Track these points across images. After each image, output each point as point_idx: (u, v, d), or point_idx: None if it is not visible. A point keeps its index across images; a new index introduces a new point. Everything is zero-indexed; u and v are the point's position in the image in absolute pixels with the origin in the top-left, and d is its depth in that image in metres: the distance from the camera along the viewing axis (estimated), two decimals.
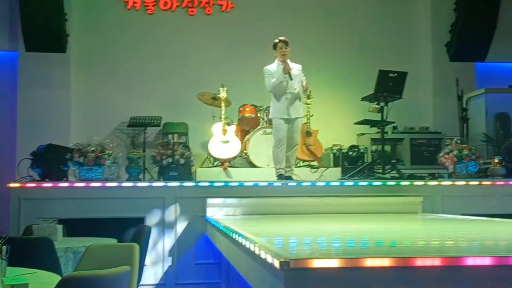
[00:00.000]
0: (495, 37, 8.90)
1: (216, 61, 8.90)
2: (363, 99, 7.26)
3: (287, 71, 6.36)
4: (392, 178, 6.66)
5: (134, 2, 9.03)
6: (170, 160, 6.46)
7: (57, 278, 2.84)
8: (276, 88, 6.41)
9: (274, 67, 6.51)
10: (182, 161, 6.49)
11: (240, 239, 3.04)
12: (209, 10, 9.17)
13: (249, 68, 8.47)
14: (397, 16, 9.50)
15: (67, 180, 6.26)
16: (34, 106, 8.33)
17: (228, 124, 7.73)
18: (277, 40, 6.50)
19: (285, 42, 6.45)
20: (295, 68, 6.53)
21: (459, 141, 6.73)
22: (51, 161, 6.24)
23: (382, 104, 6.96)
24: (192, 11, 9.14)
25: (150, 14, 9.07)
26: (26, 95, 8.36)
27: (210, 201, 5.77)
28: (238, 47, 9.01)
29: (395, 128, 8.55)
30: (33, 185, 5.91)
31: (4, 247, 2.64)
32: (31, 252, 3.67)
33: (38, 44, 8.18)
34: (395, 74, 6.93)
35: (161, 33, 9.04)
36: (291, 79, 6.39)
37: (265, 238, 3.01)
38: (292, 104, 6.47)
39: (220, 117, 7.70)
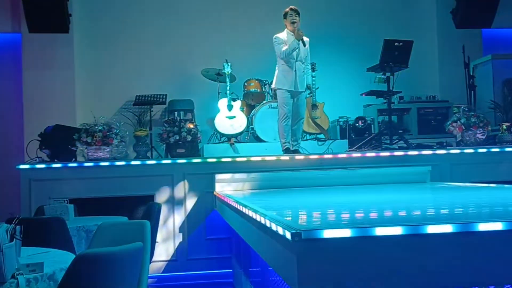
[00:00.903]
0: (502, 2, 8.75)
1: (219, 37, 8.81)
2: (369, 69, 7.20)
3: (300, 36, 6.31)
4: (400, 148, 6.64)
5: None
6: (177, 137, 6.47)
7: (71, 256, 2.87)
8: (288, 56, 6.35)
9: (284, 35, 6.45)
10: (189, 138, 6.50)
11: (250, 213, 3.05)
12: None
13: (253, 42, 8.42)
14: None
15: (76, 160, 6.30)
16: (40, 87, 8.31)
17: (234, 100, 7.71)
18: (287, 9, 6.44)
19: (296, 11, 6.40)
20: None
21: (466, 109, 6.70)
22: (59, 141, 6.27)
23: (388, 74, 6.90)
24: None
25: None
26: (31, 76, 8.33)
27: (218, 176, 5.79)
28: (241, 21, 8.90)
29: (401, 98, 8.49)
30: (42, 166, 5.95)
31: (18, 227, 2.67)
32: (44, 232, 3.72)
33: (41, 25, 8.12)
34: (401, 43, 6.86)
35: (164, 9, 8.93)
36: (304, 45, 6.35)
37: (275, 211, 3.02)
38: (299, 76, 6.44)
39: (226, 93, 7.69)
